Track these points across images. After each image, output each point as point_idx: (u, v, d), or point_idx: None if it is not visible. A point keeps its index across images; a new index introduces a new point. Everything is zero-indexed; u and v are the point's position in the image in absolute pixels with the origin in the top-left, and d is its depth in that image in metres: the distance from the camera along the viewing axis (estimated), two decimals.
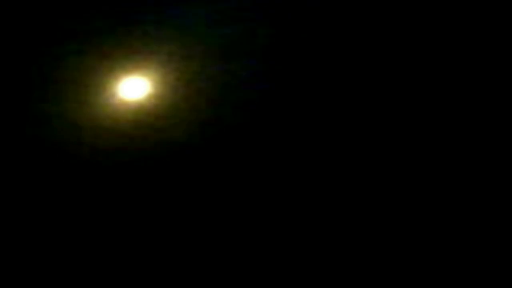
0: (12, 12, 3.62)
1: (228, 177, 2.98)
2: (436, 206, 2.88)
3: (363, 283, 2.71)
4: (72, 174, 3.00)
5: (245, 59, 3.42)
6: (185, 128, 3.16)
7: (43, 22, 3.57)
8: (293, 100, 3.25)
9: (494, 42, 3.38)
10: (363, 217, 2.86)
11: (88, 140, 3.11)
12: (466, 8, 3.50)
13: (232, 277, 2.73)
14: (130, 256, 2.78)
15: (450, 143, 3.07)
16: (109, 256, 2.78)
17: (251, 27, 3.55)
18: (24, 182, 2.97)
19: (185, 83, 3.31)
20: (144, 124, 3.17)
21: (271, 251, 2.79)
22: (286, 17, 3.56)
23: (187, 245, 2.81)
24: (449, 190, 2.92)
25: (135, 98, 3.25)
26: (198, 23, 3.58)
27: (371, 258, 2.76)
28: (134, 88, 3.30)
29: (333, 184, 2.96)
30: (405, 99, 3.23)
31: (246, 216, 2.87)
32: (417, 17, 3.52)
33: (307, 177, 2.98)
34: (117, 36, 3.52)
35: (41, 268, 2.75)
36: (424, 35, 3.45)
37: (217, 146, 3.09)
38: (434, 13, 3.53)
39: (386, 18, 3.54)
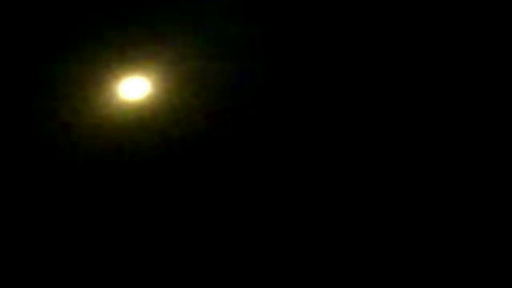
0: (12, 13, 3.62)
1: (230, 176, 2.98)
2: (436, 206, 2.88)
3: (363, 283, 2.71)
4: (72, 174, 3.00)
5: (246, 59, 3.42)
6: (186, 128, 3.15)
7: (42, 22, 3.57)
8: (295, 100, 3.25)
9: (494, 42, 3.38)
10: (363, 217, 2.86)
11: (89, 140, 3.11)
12: (466, 8, 3.50)
13: (235, 278, 2.73)
14: (130, 257, 2.77)
15: (450, 143, 3.07)
16: (109, 257, 2.78)
17: (252, 26, 3.55)
18: (24, 182, 2.97)
19: (185, 83, 3.31)
20: (145, 124, 3.17)
21: (272, 251, 2.79)
22: (288, 16, 3.56)
23: (186, 244, 2.81)
24: (449, 190, 2.92)
25: (135, 98, 3.25)
26: (199, 23, 3.58)
27: (371, 258, 2.76)
28: (134, 88, 3.30)
29: (334, 184, 2.96)
30: (405, 99, 3.23)
31: (248, 216, 2.87)
32: (417, 16, 3.52)
33: (308, 176, 2.98)
34: (117, 36, 3.52)
35: (40, 268, 2.75)
36: (424, 34, 3.46)
37: (218, 146, 3.09)
38: (434, 13, 3.53)
39: (386, 18, 3.54)
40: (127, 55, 3.41)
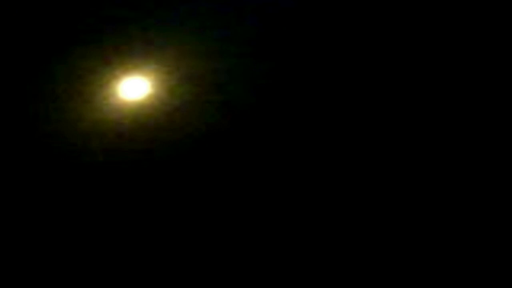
0: (11, 14, 3.62)
1: (229, 177, 2.98)
2: (436, 206, 2.88)
3: (363, 283, 2.70)
4: (71, 174, 3.00)
5: (246, 58, 3.42)
6: (186, 128, 3.15)
7: (42, 23, 3.57)
8: (296, 100, 3.25)
9: (494, 42, 3.38)
10: (363, 217, 2.86)
11: (88, 141, 3.11)
12: (466, 8, 3.50)
13: (234, 277, 2.73)
14: (130, 258, 2.77)
15: (450, 143, 3.07)
16: (109, 258, 2.78)
17: (252, 27, 3.55)
18: (24, 182, 2.97)
19: (185, 83, 3.31)
20: (144, 124, 3.17)
21: (271, 251, 2.79)
22: (289, 15, 3.56)
23: (186, 245, 2.81)
24: (449, 190, 2.92)
25: (135, 98, 3.25)
26: (199, 24, 3.58)
27: (371, 258, 2.76)
28: (134, 88, 3.30)
29: (333, 185, 2.96)
30: (405, 99, 3.23)
31: (247, 217, 2.87)
32: (417, 17, 3.52)
33: (307, 177, 2.98)
34: (117, 36, 3.52)
35: (40, 268, 2.75)
36: (424, 35, 3.46)
37: (217, 146, 3.09)
38: (434, 13, 3.53)
39: (385, 18, 3.54)
40: (126, 55, 3.41)
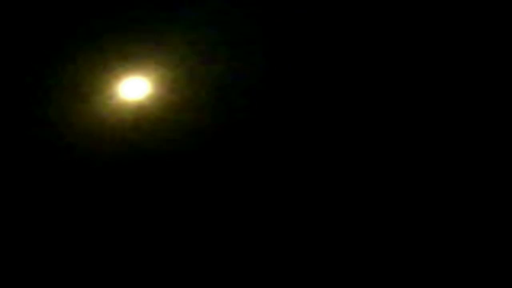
0: (11, 14, 3.62)
1: (228, 178, 2.98)
2: (436, 206, 2.88)
3: (363, 283, 2.71)
4: (71, 175, 3.00)
5: (245, 59, 3.42)
6: (186, 128, 3.16)
7: (42, 23, 3.58)
8: (294, 101, 3.26)
9: (494, 42, 3.38)
10: (363, 217, 2.86)
11: (88, 141, 3.11)
12: (466, 8, 3.50)
13: (232, 277, 2.73)
14: (130, 258, 2.77)
15: (450, 143, 3.07)
16: (108, 258, 2.78)
17: (252, 27, 3.55)
18: (24, 184, 2.97)
19: (185, 84, 3.31)
20: (144, 124, 3.17)
21: (271, 251, 2.79)
22: (288, 17, 3.56)
23: (186, 246, 2.81)
24: (449, 190, 2.92)
25: (135, 99, 3.26)
26: (199, 24, 3.58)
27: (371, 258, 2.76)
28: (134, 88, 3.30)
29: (333, 185, 2.96)
30: (405, 99, 3.23)
31: (246, 217, 2.87)
32: (417, 17, 3.52)
33: (306, 179, 2.98)
34: (117, 36, 3.52)
35: (40, 269, 2.75)
36: (424, 35, 3.46)
37: (217, 146, 3.09)
38: (434, 13, 3.53)
39: (386, 18, 3.54)
40: (127, 55, 3.41)
